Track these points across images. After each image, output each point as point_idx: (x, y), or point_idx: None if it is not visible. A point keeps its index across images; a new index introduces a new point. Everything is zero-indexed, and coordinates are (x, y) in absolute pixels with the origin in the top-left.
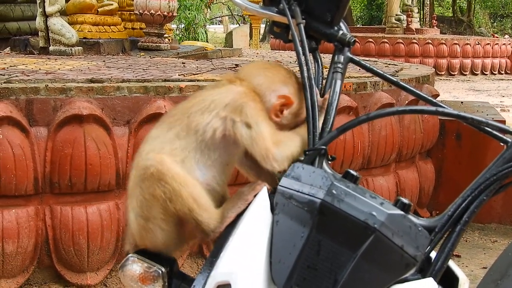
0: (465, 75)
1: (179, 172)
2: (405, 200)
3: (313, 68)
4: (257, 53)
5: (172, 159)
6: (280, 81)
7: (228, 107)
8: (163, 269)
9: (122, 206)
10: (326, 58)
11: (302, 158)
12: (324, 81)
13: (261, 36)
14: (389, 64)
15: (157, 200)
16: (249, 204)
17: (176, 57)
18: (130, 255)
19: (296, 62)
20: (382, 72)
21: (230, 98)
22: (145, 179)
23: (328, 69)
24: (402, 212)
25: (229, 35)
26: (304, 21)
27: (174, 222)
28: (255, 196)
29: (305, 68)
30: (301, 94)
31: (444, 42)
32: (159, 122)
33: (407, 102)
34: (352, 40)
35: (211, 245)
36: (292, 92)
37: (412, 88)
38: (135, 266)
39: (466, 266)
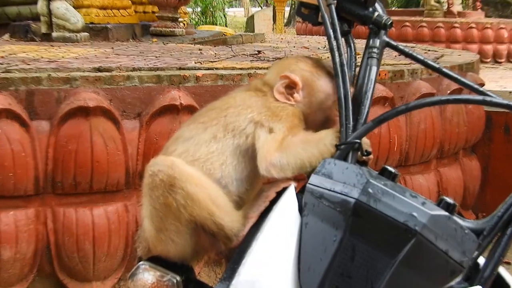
0: None
1: (193, 173)
2: (450, 200)
3: (345, 53)
4: (282, 39)
5: (209, 165)
6: (287, 65)
7: (264, 113)
8: (178, 278)
9: (132, 208)
10: (359, 44)
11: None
12: (357, 68)
13: (285, 20)
14: (429, 50)
15: (169, 210)
16: (272, 202)
17: (192, 43)
18: (141, 262)
19: (326, 48)
20: (423, 58)
21: (267, 108)
22: (154, 187)
23: (362, 55)
24: (446, 213)
25: (250, 19)
26: (335, 1)
27: (189, 233)
28: (277, 193)
29: (336, 54)
30: (315, 76)
31: (489, 26)
32: (190, 120)
33: (449, 92)
34: (389, 22)
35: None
36: (301, 74)
37: (456, 76)
38: (147, 275)
39: None
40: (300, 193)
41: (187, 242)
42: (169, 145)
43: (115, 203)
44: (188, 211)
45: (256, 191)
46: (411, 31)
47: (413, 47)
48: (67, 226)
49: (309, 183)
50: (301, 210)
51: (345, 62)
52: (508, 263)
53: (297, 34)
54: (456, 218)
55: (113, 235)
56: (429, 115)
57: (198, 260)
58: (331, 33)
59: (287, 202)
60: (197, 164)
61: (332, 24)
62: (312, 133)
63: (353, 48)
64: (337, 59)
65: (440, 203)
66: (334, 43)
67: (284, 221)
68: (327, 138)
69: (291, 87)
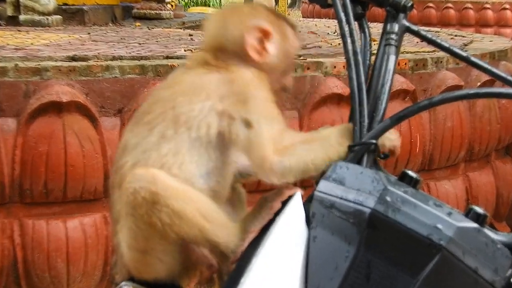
0: None
1: (179, 186)
2: (480, 210)
3: (359, 40)
4: None
5: (166, 171)
6: (244, 15)
7: (228, 98)
8: None
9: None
10: (376, 28)
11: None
12: (373, 56)
13: (289, 1)
14: (455, 36)
15: (154, 229)
16: (276, 214)
17: (181, 28)
18: (123, 283)
19: (337, 33)
20: (448, 45)
21: (228, 87)
22: (137, 206)
23: (378, 42)
24: (476, 225)
25: (248, 1)
26: None
27: (178, 250)
28: (283, 203)
29: (349, 40)
30: (280, 23)
31: None
32: (132, 123)
33: (479, 83)
34: (409, 4)
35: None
36: (268, 21)
37: (487, 65)
38: None
39: None
40: (307, 202)
41: (177, 260)
42: (118, 157)
43: (92, 214)
44: (175, 230)
45: (229, 180)
46: (435, 13)
47: (438, 32)
48: (37, 240)
49: (317, 191)
50: (308, 221)
51: (358, 50)
52: None
53: (303, 17)
54: (487, 230)
55: (90, 251)
56: (456, 111)
57: (189, 276)
58: (343, 17)
59: (292, 213)
60: None
61: (344, 6)
62: (314, 132)
63: (368, 34)
64: (350, 47)
65: (469, 214)
66: (346, 28)
67: (289, 234)
68: (332, 136)
69: (262, 40)
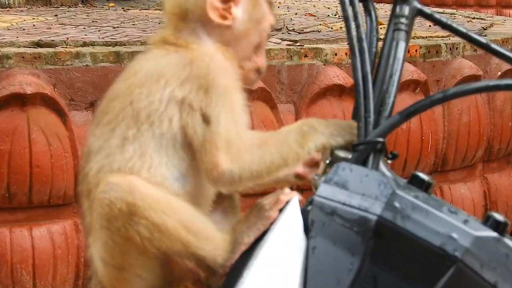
0: None
1: (158, 195)
2: (500, 217)
3: (364, 24)
4: (280, 3)
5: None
6: None
7: (188, 83)
8: None
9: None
10: (383, 10)
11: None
12: (380, 43)
13: None
14: (473, 18)
15: (132, 244)
16: (272, 223)
17: (161, 10)
18: None
19: (339, 16)
20: (464, 30)
21: (188, 70)
22: (112, 218)
23: (386, 26)
24: (495, 234)
25: None
26: None
27: (159, 265)
28: (280, 211)
29: (352, 24)
30: None
31: None
32: (94, 124)
33: (499, 73)
34: None
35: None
36: None
37: (508, 53)
38: None
39: None
40: (305, 208)
41: (158, 276)
42: (84, 163)
43: (61, 220)
44: (156, 245)
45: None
46: None
47: (453, 14)
48: None
49: (317, 195)
50: (307, 230)
51: (363, 36)
52: None
53: None
54: (507, 240)
55: (59, 263)
56: (473, 105)
57: None
58: None
59: (289, 220)
60: None
61: None
62: (275, 131)
63: (374, 17)
64: (354, 32)
65: (488, 221)
66: (350, 10)
67: (285, 244)
68: (291, 136)
69: (226, 1)
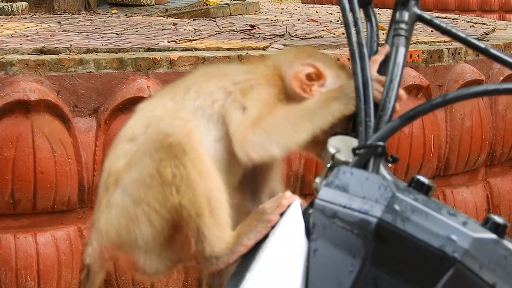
0: None
1: (204, 158)
2: (499, 219)
3: (365, 30)
4: (282, 9)
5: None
6: (307, 52)
7: (239, 84)
8: None
9: (88, 233)
10: (384, 15)
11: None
12: (380, 47)
13: None
14: (476, 23)
15: (161, 182)
16: (273, 226)
17: (164, 16)
18: None
19: (340, 22)
20: (464, 35)
21: (244, 77)
22: (160, 148)
23: (386, 32)
24: (494, 236)
25: None
26: None
27: (169, 221)
28: (281, 215)
29: (353, 30)
30: (341, 74)
31: None
32: (175, 84)
33: (502, 78)
34: None
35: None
36: (323, 65)
37: (507, 58)
38: None
39: None
40: (307, 211)
41: (163, 230)
42: (147, 103)
43: (65, 226)
44: (177, 195)
45: (237, 164)
46: None
47: (455, 19)
48: (3, 257)
49: (318, 199)
50: (308, 233)
51: (364, 42)
52: None
53: (303, 3)
54: (507, 242)
55: (63, 268)
56: (476, 109)
57: (167, 270)
58: (346, 4)
59: (290, 223)
60: None
61: None
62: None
63: (374, 23)
64: (354, 38)
65: (487, 223)
66: (350, 16)
67: (287, 247)
68: (313, 101)
69: (311, 78)
